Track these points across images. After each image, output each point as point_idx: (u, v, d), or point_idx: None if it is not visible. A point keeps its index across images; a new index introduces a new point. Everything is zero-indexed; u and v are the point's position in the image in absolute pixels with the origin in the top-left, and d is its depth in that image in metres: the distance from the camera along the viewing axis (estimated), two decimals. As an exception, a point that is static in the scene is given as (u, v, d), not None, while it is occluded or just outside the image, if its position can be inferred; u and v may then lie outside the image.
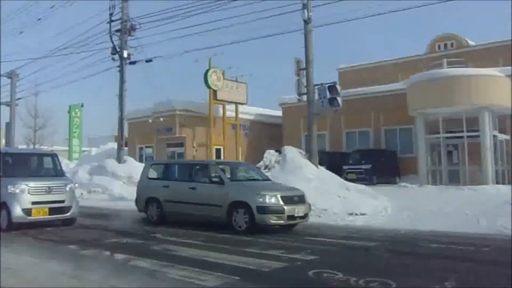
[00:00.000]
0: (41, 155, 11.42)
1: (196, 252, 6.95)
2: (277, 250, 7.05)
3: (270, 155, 13.99)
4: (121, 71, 20.18)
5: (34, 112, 32.09)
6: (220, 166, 10.05)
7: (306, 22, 14.18)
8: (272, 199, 8.78)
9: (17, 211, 9.35)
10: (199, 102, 24.57)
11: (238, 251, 7.05)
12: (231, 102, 24.22)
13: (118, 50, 19.96)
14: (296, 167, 13.26)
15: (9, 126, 25.50)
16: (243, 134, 26.19)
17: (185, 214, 9.95)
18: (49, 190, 9.81)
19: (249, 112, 27.03)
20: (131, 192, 18.14)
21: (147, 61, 19.87)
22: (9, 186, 9.48)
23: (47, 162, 11.07)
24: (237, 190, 9.21)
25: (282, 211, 8.73)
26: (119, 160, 19.90)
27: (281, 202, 8.81)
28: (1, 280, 5.04)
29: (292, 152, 13.90)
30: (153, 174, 11.18)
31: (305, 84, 14.18)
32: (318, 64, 14.21)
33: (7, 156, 10.56)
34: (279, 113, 28.55)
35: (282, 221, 8.81)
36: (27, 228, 9.46)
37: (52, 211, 9.74)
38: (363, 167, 19.89)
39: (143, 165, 21.00)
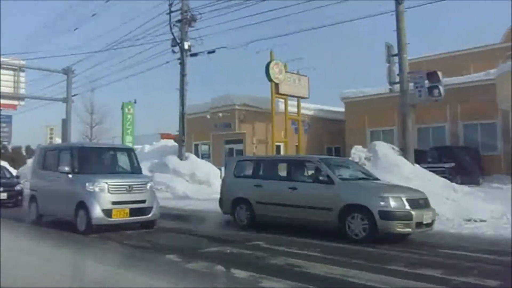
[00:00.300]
0: (117, 150, 10.38)
1: (327, 269, 5.58)
2: (430, 269, 5.58)
3: (358, 151, 12.48)
4: (182, 64, 19.13)
5: (90, 108, 31.79)
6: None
7: (399, 2, 12.58)
8: (396, 203, 7.31)
9: (97, 211, 8.29)
10: (259, 97, 23.28)
11: (378, 268, 5.63)
12: (293, 96, 22.83)
13: (179, 41, 18.94)
14: (391, 165, 11.69)
15: (65, 122, 25.10)
16: (303, 130, 24.71)
17: (283, 218, 8.60)
18: (129, 189, 8.73)
19: (308, 107, 25.57)
20: (195, 190, 17.24)
21: (209, 53, 18.74)
22: (87, 184, 8.46)
23: (123, 158, 10.04)
24: (351, 191, 7.77)
25: (410, 217, 7.23)
26: (181, 157, 18.90)
27: (408, 207, 7.32)
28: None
29: (384, 148, 12.34)
30: (240, 171, 9.87)
31: (397, 72, 12.57)
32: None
33: (82, 150, 9.58)
34: (339, 108, 26.98)
35: (409, 229, 7.32)
36: (105, 231, 8.42)
37: (132, 212, 8.65)
38: (446, 165, 17.97)
39: (204, 162, 20.24)
